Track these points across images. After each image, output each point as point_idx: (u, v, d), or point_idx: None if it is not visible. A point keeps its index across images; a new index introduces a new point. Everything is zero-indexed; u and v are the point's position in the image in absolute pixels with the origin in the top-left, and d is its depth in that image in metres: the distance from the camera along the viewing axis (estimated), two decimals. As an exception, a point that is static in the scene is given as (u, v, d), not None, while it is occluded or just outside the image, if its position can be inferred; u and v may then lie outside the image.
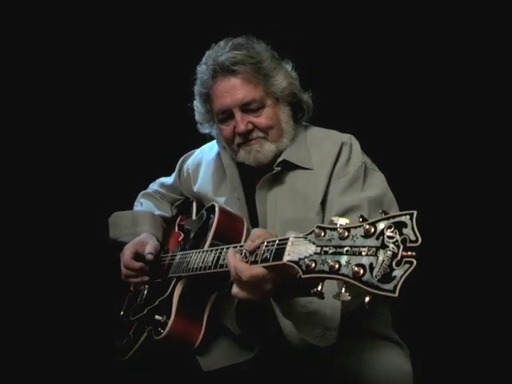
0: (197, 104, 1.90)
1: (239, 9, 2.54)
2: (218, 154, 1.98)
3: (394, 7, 2.49)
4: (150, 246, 1.92)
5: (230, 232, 1.70)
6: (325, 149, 1.78)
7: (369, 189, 1.71)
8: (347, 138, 1.80)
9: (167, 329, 1.64)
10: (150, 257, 1.88)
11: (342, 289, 1.10)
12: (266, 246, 1.29)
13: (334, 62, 2.53)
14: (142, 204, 2.20)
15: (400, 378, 1.65)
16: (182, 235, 1.96)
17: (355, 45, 2.55)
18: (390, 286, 1.00)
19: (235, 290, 1.33)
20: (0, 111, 2.77)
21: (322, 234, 1.16)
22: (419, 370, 1.69)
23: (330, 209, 1.70)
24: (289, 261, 1.20)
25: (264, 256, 1.28)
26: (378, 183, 1.74)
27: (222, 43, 1.80)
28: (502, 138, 2.45)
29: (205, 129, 1.96)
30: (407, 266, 0.99)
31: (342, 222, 1.15)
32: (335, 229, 1.14)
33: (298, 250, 1.19)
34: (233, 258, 1.33)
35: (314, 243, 1.17)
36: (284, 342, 1.60)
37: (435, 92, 2.49)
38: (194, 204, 2.06)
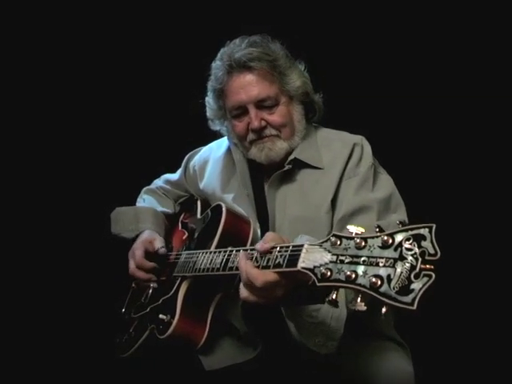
0: (209, 100, 1.90)
1: (249, 9, 2.54)
2: (228, 150, 1.98)
3: (403, 9, 2.49)
4: (158, 242, 1.93)
5: (236, 233, 1.70)
6: (336, 149, 1.80)
7: (378, 190, 1.74)
8: (359, 139, 1.82)
9: (171, 328, 1.64)
10: (163, 251, 1.89)
11: (357, 298, 1.10)
12: (279, 252, 1.29)
13: (340, 63, 2.54)
14: (145, 200, 2.19)
15: (401, 379, 1.66)
16: (186, 234, 1.96)
17: (362, 45, 2.55)
18: (408, 299, 1.00)
19: (245, 294, 1.32)
20: (7, 111, 2.76)
21: (338, 242, 1.16)
22: (421, 372, 1.70)
23: (339, 208, 1.72)
24: (303, 268, 1.20)
25: (277, 261, 1.28)
26: (385, 184, 1.77)
27: (237, 41, 1.81)
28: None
29: (215, 125, 1.96)
30: (426, 279, 1.00)
31: (358, 230, 1.16)
32: (352, 238, 1.14)
33: (313, 257, 1.19)
34: (244, 263, 1.32)
35: (329, 251, 1.17)
36: (287, 341, 1.61)
37: (444, 94, 2.50)
38: (199, 202, 2.06)
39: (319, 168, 1.78)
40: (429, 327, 2.44)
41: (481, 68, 2.45)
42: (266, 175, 1.84)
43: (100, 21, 2.71)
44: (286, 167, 1.78)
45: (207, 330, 1.69)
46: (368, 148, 1.80)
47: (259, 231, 1.78)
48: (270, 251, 1.31)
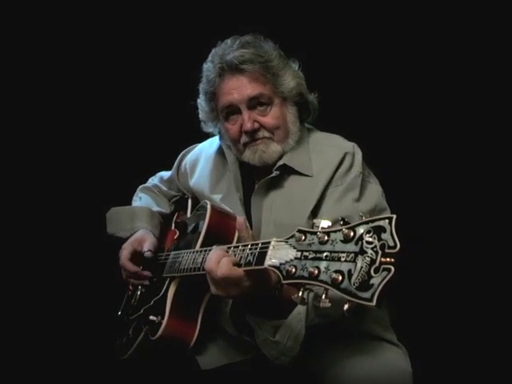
0: (201, 102, 1.86)
1: (243, 8, 2.50)
2: (219, 150, 1.95)
3: (399, 10, 2.45)
4: (148, 243, 1.90)
5: (222, 231, 1.67)
6: (327, 157, 1.74)
7: (362, 201, 1.68)
8: (351, 147, 1.75)
9: (161, 329, 1.63)
10: (148, 254, 1.86)
11: (322, 295, 1.07)
12: (250, 249, 1.28)
13: (336, 61, 2.49)
14: (141, 198, 2.17)
15: (400, 378, 1.63)
16: (178, 233, 1.94)
17: (358, 43, 2.50)
18: (367, 295, 0.97)
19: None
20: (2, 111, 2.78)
21: (303, 237, 1.13)
22: (419, 371, 1.67)
23: (320, 217, 1.64)
24: (270, 266, 1.18)
25: (248, 259, 1.27)
26: (371, 196, 1.71)
27: (229, 41, 1.75)
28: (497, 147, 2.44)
29: (208, 128, 1.93)
30: (385, 273, 0.96)
31: (324, 224, 1.13)
32: (315, 233, 1.11)
33: (280, 254, 1.17)
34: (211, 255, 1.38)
35: (294, 247, 1.14)
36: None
37: (434, 96, 2.48)
38: (190, 201, 2.04)
39: (308, 175, 1.73)
40: (426, 326, 2.41)
41: (470, 73, 2.42)
42: (257, 179, 1.80)
43: (97, 20, 2.70)
44: (274, 173, 1.73)
45: (198, 330, 1.67)
46: (359, 156, 1.74)
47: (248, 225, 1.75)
48: (243, 249, 1.30)
